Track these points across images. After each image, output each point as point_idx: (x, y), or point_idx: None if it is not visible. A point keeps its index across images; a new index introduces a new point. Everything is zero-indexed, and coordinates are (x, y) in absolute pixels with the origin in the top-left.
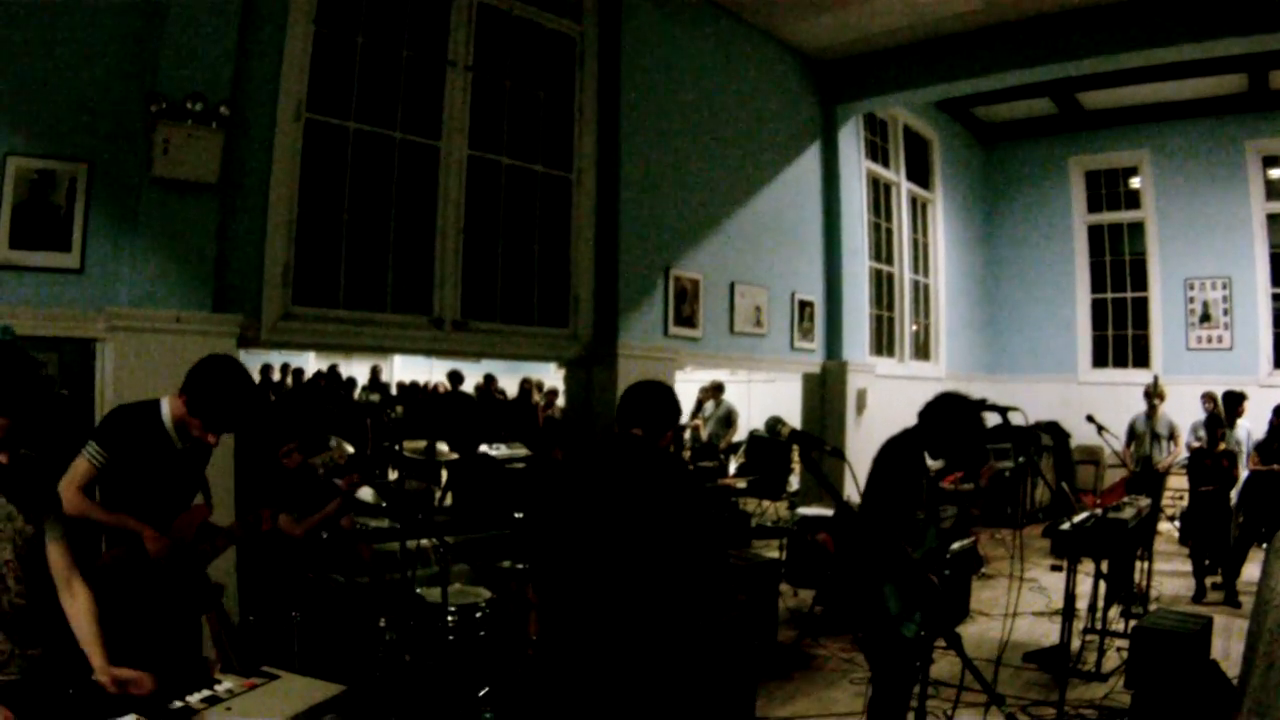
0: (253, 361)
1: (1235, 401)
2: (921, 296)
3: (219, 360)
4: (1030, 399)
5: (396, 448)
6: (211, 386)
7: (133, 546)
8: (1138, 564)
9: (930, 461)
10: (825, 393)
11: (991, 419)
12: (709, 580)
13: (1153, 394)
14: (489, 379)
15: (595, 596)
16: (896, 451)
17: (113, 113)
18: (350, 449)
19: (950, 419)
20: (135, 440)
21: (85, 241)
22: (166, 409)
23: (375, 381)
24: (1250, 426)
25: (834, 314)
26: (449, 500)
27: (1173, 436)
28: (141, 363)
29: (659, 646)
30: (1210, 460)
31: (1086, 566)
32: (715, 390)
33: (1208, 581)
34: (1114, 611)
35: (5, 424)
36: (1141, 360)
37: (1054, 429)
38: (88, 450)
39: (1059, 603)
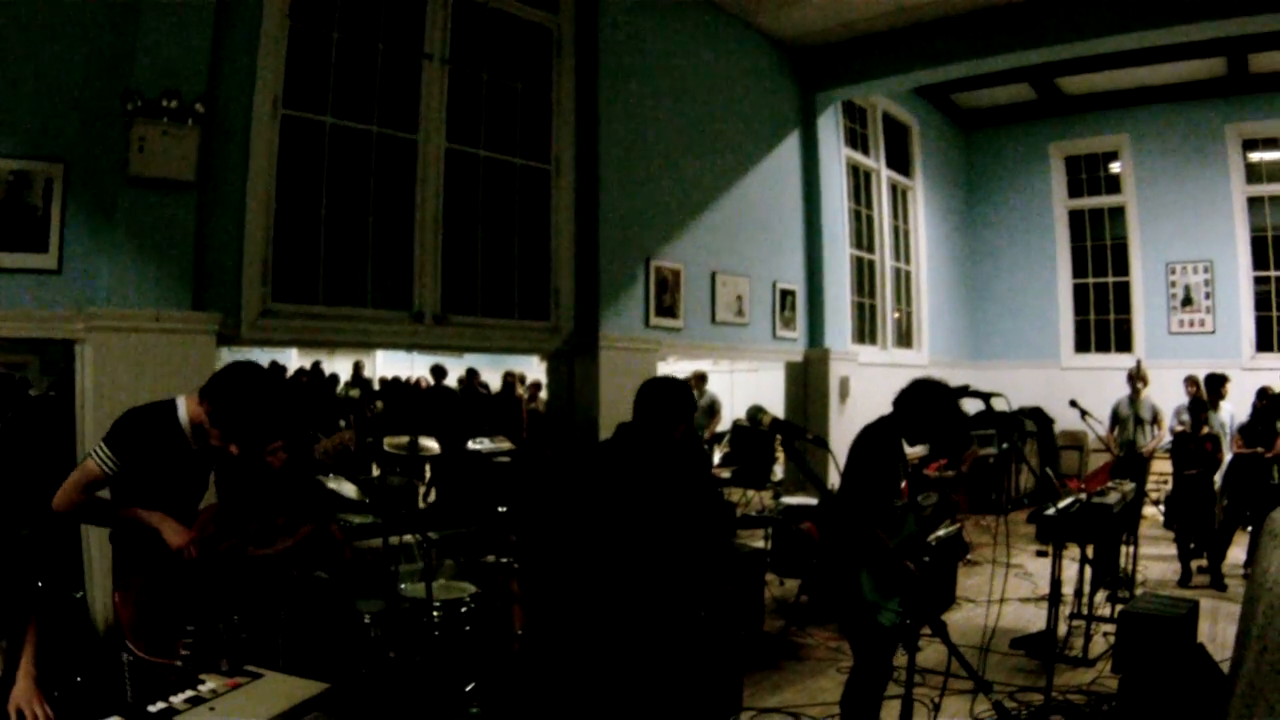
0: (231, 359)
1: (1217, 384)
2: (903, 283)
3: (244, 369)
4: (1013, 385)
5: (379, 443)
6: (236, 398)
7: (157, 544)
8: (1123, 548)
9: (911, 449)
10: (808, 381)
11: (974, 405)
12: (716, 568)
13: (1136, 378)
14: (471, 373)
15: (604, 587)
16: (872, 438)
17: (88, 111)
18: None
19: (925, 404)
20: (150, 444)
21: (63, 241)
22: (184, 410)
23: (357, 377)
24: (1233, 409)
25: (815, 302)
26: (433, 495)
27: (1156, 420)
28: (122, 362)
29: (666, 634)
30: (1194, 444)
31: (1072, 552)
32: (699, 380)
33: (1193, 565)
34: (1100, 596)
35: None
36: (1124, 345)
37: (1037, 414)
38: (97, 453)
39: (1045, 588)
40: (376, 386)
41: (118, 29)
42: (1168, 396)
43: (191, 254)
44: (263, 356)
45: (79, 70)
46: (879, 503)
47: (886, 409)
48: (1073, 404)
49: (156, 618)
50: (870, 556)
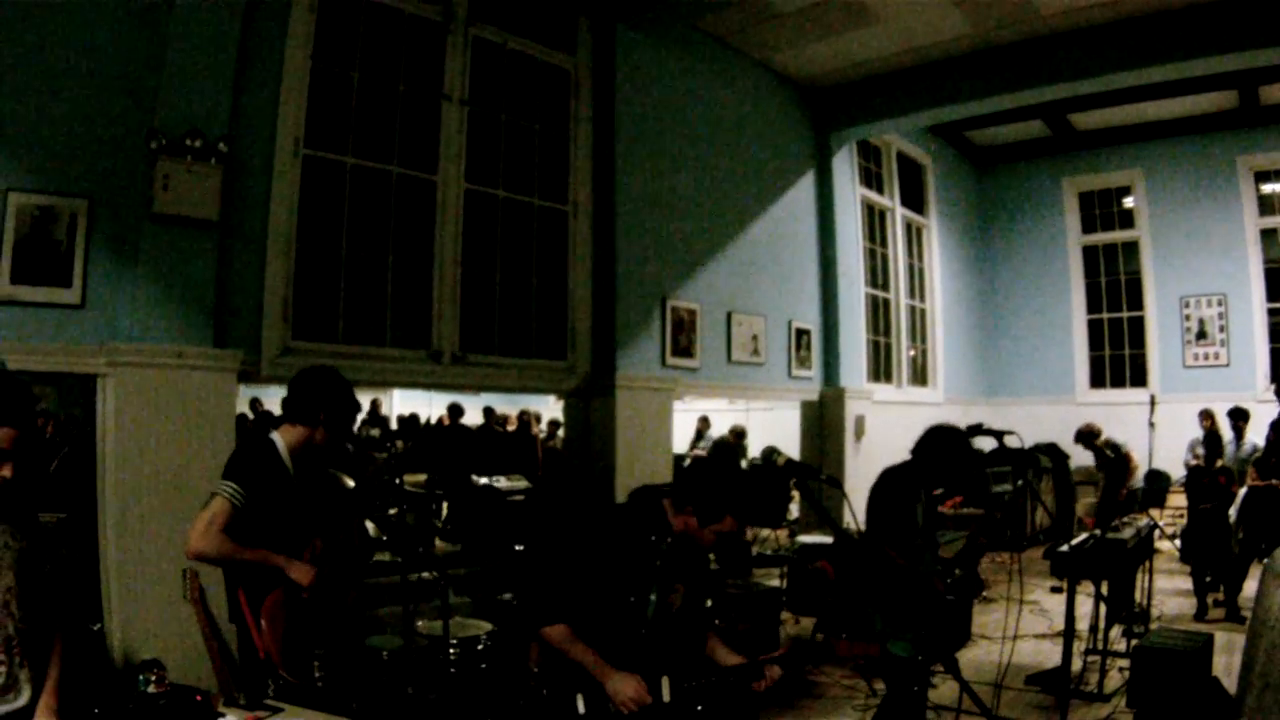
0: (250, 396)
1: (1240, 418)
2: (918, 322)
3: (312, 374)
4: (1029, 421)
5: (397, 481)
6: (338, 389)
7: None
8: (1139, 582)
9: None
10: (824, 420)
11: (989, 443)
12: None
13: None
14: (488, 411)
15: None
16: (889, 482)
17: (113, 149)
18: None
19: (941, 449)
20: (265, 472)
21: (86, 277)
22: (280, 442)
23: (375, 415)
24: (1258, 441)
25: (831, 341)
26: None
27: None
28: (143, 398)
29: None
30: (1208, 478)
31: (1087, 587)
32: (703, 424)
33: (1209, 599)
34: (1115, 631)
35: (13, 434)
36: (1139, 379)
37: (1053, 450)
38: (226, 490)
39: (1060, 624)
40: (394, 425)
41: (143, 68)
42: (1183, 430)
43: (213, 291)
44: (282, 394)
45: (104, 108)
46: (898, 541)
47: (903, 448)
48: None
49: (296, 644)
50: (888, 590)
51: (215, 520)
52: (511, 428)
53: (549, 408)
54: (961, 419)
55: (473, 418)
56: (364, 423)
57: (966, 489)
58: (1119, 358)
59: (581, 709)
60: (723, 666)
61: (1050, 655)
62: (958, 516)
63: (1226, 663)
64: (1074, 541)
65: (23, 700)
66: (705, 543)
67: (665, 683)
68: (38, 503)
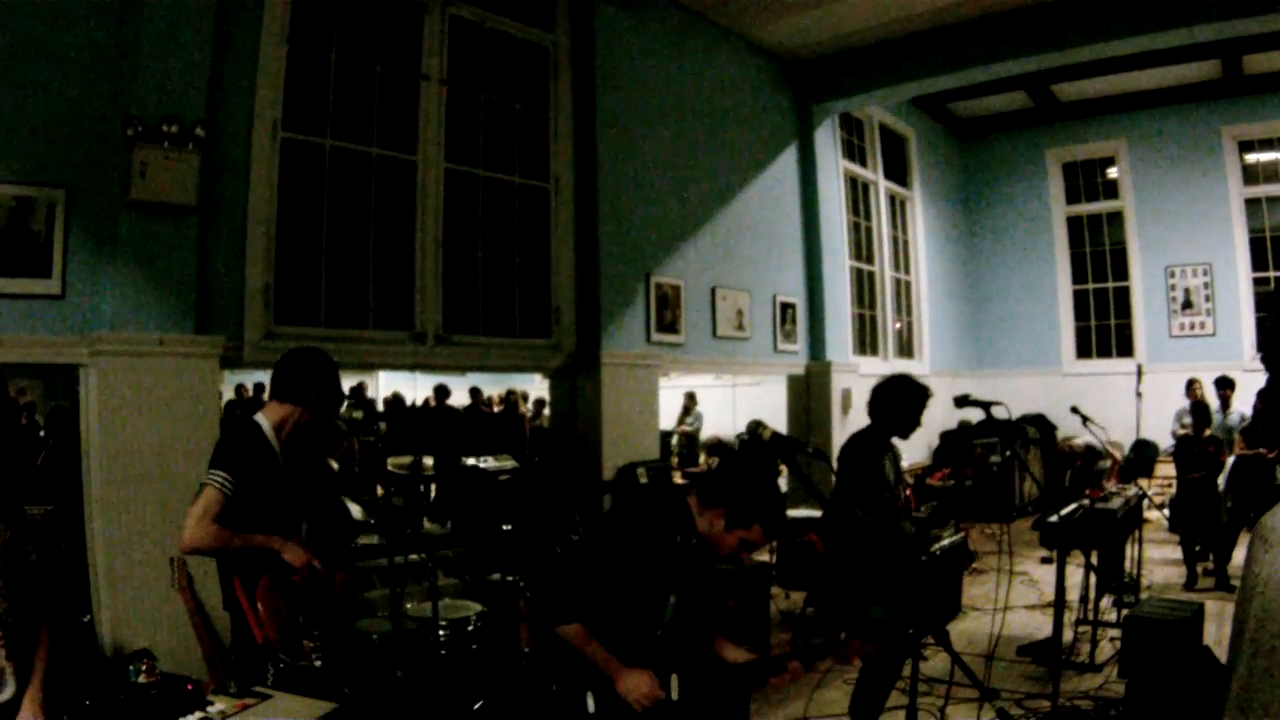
0: (235, 382)
1: (1226, 387)
2: (903, 294)
3: (298, 355)
4: (1016, 392)
5: (384, 464)
6: (332, 374)
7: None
8: (1129, 552)
9: (914, 460)
10: (810, 394)
11: (976, 414)
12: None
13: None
14: (475, 392)
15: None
16: (856, 446)
17: (89, 137)
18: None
19: (892, 398)
20: (252, 456)
21: (65, 267)
22: (265, 422)
23: (360, 398)
24: (1244, 411)
25: (816, 315)
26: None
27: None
28: (126, 386)
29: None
30: (1197, 447)
31: (1077, 558)
32: (690, 400)
33: (1199, 568)
34: (1106, 601)
35: None
36: (1125, 350)
37: (1040, 421)
38: (215, 479)
39: (1051, 595)
40: (380, 408)
41: (117, 54)
42: (1169, 400)
43: (194, 278)
44: (266, 379)
45: (79, 96)
46: (871, 501)
47: None
48: (1074, 410)
49: (292, 627)
50: (868, 553)
51: (207, 511)
52: (498, 408)
53: (536, 386)
54: (948, 391)
55: (459, 399)
56: (349, 405)
57: (951, 458)
58: (1105, 328)
59: (591, 707)
60: (736, 663)
61: (1041, 626)
62: (945, 489)
63: (1217, 631)
64: (1063, 512)
65: (8, 693)
66: (724, 549)
67: (675, 681)
68: (22, 494)
